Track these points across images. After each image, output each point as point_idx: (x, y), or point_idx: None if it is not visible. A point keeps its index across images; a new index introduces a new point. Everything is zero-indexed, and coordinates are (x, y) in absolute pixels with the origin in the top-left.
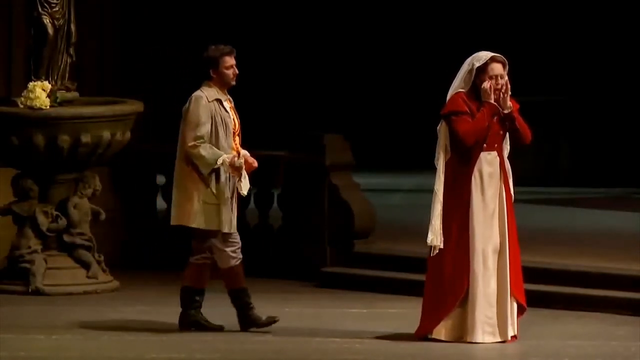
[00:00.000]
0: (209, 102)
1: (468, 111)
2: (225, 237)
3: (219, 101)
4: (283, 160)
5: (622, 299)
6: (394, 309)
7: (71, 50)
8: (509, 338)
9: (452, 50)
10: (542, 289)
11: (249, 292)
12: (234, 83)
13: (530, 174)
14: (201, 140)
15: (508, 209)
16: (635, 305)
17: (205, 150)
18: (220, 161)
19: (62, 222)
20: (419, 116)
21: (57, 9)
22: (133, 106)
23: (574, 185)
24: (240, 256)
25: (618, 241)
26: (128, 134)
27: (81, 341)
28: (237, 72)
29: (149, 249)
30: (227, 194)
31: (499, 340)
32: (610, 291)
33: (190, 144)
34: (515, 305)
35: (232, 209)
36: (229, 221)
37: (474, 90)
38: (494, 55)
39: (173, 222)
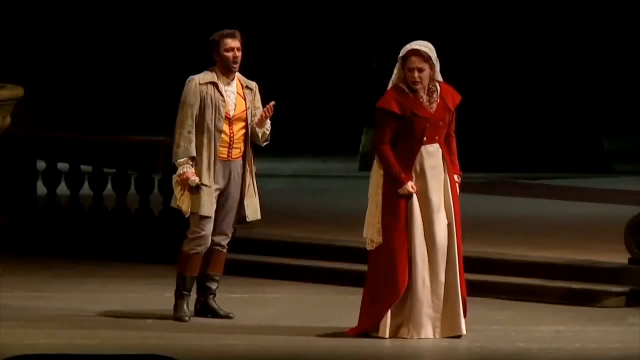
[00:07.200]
0: (199, 84)
1: (397, 112)
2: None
3: (214, 84)
4: (164, 146)
5: (503, 284)
6: (275, 294)
7: None
8: (464, 332)
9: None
10: None
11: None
12: (235, 67)
13: None
14: (189, 128)
15: (454, 201)
16: (516, 290)
17: (184, 142)
18: (180, 163)
19: None
20: (301, 103)
21: None
22: (13, 91)
23: None
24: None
25: (499, 225)
26: (8, 119)
27: None
28: (237, 55)
29: (29, 234)
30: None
31: (450, 335)
32: (491, 276)
33: (180, 126)
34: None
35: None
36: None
37: (406, 80)
38: (415, 48)
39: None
